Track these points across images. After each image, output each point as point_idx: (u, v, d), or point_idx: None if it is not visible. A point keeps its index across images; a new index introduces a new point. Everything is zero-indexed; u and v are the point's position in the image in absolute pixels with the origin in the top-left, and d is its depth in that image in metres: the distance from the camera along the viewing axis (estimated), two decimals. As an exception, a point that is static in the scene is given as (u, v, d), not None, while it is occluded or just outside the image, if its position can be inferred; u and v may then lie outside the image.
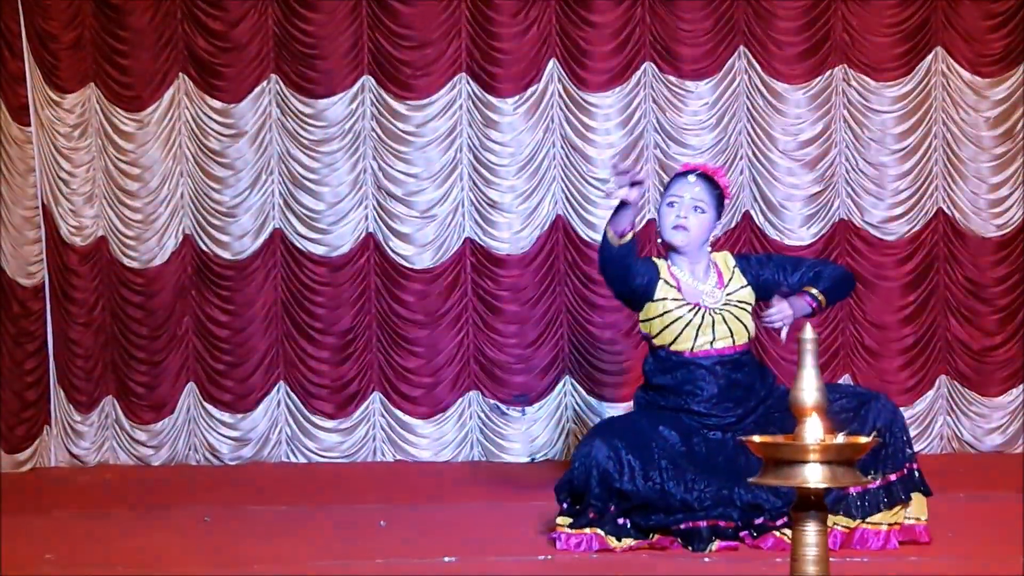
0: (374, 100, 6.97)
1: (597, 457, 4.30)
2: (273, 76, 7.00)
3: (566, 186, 6.91)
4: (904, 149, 6.82)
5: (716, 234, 4.59)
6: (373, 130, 6.98)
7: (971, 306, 6.84)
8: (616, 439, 4.32)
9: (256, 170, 7.03)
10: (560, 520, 4.39)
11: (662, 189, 4.62)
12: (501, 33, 6.89)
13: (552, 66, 6.88)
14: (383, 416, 7.01)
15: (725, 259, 4.61)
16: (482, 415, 6.97)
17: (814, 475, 2.28)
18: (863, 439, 2.38)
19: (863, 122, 6.82)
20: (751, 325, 4.51)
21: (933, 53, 6.78)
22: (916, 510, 4.34)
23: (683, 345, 4.46)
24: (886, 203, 6.84)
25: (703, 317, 4.45)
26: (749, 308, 4.52)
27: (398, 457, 6.98)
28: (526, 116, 6.91)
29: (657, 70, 6.84)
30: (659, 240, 4.62)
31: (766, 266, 4.60)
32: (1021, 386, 6.81)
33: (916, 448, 6.58)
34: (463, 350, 6.99)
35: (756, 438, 2.40)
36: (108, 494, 6.31)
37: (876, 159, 6.84)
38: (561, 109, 6.90)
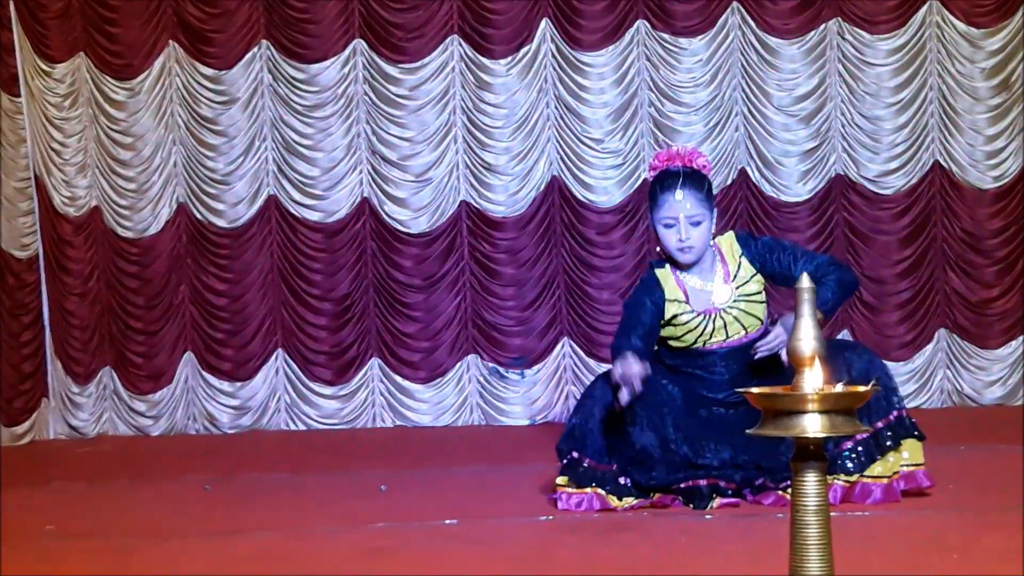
0: (366, 64, 6.93)
1: (602, 399, 4.30)
2: (264, 41, 6.96)
3: (561, 147, 6.88)
4: (900, 102, 6.79)
5: (714, 228, 4.50)
6: (366, 94, 6.94)
7: (969, 258, 6.82)
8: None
9: (249, 137, 7.00)
10: (560, 480, 4.37)
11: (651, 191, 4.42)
12: (493, -7, 6.85)
13: (544, 26, 6.84)
14: (382, 382, 7.00)
15: (731, 245, 4.47)
16: (481, 379, 6.96)
17: (813, 424, 2.26)
18: (861, 388, 2.36)
19: (858, 76, 6.78)
20: (763, 312, 4.45)
21: (927, 4, 6.74)
22: (912, 456, 4.32)
23: (697, 344, 4.43)
24: (882, 157, 6.82)
25: (715, 321, 4.41)
26: (760, 298, 4.45)
27: (398, 422, 6.98)
28: (519, 77, 6.88)
29: (650, 27, 6.80)
30: (659, 249, 4.52)
31: (773, 253, 4.44)
32: (1020, 338, 6.80)
33: (917, 402, 6.69)
34: (461, 314, 6.98)
35: (755, 389, 2.38)
36: (108, 465, 6.30)
37: (871, 113, 6.81)
38: (554, 69, 6.86)
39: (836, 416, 2.27)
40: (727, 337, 4.41)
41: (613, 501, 4.29)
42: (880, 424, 4.27)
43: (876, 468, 4.27)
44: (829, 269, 4.41)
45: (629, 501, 4.30)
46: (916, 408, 6.69)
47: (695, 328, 4.40)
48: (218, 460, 6.26)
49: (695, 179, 4.41)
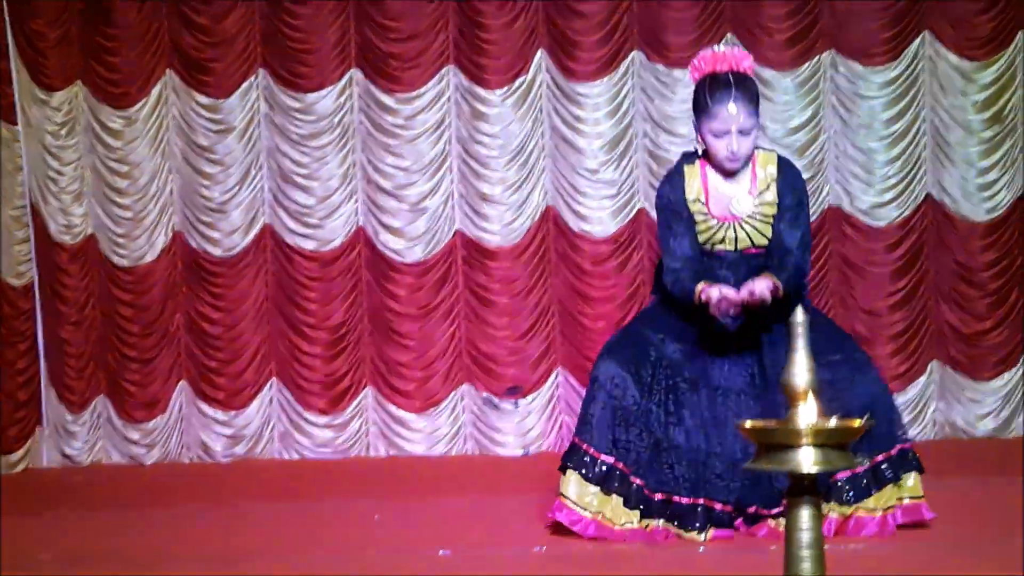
0: (362, 93, 6.95)
1: (605, 385, 4.33)
2: (261, 71, 6.98)
3: (556, 177, 6.90)
4: (893, 134, 6.81)
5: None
6: (362, 123, 6.96)
7: (962, 291, 6.84)
8: (625, 365, 4.34)
9: (245, 165, 7.01)
10: (564, 488, 4.35)
11: (695, 111, 4.42)
12: (488, 24, 6.87)
13: (540, 56, 6.87)
14: (376, 411, 7.00)
15: (766, 164, 4.46)
16: (475, 408, 6.96)
17: (807, 459, 2.27)
18: (857, 422, 2.37)
19: (852, 108, 6.81)
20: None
21: (920, 37, 6.77)
22: (912, 490, 4.32)
23: (705, 244, 4.44)
24: (875, 189, 6.84)
25: (728, 229, 4.42)
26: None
27: (391, 452, 6.97)
28: (515, 107, 6.90)
29: (645, 58, 6.83)
30: (697, 149, 4.48)
31: (793, 210, 4.42)
32: (1013, 370, 6.81)
33: (910, 434, 6.66)
34: (455, 343, 6.98)
35: (748, 423, 2.38)
36: (101, 493, 6.29)
37: (865, 145, 6.83)
38: (550, 99, 6.89)
39: (831, 451, 2.28)
40: (736, 248, 4.42)
41: (611, 523, 4.28)
42: (880, 458, 4.27)
43: (870, 501, 4.28)
44: (791, 272, 4.37)
45: (626, 521, 4.29)
46: (906, 432, 6.70)
47: (707, 229, 4.41)
48: (212, 489, 6.25)
49: (746, 87, 4.38)
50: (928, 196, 6.82)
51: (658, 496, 4.34)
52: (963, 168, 6.80)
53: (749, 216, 4.40)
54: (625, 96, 6.85)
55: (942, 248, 6.83)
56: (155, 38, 7.01)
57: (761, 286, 4.24)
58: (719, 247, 4.43)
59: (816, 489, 2.31)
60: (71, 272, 7.08)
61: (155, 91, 7.02)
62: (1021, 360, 6.82)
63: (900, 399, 6.78)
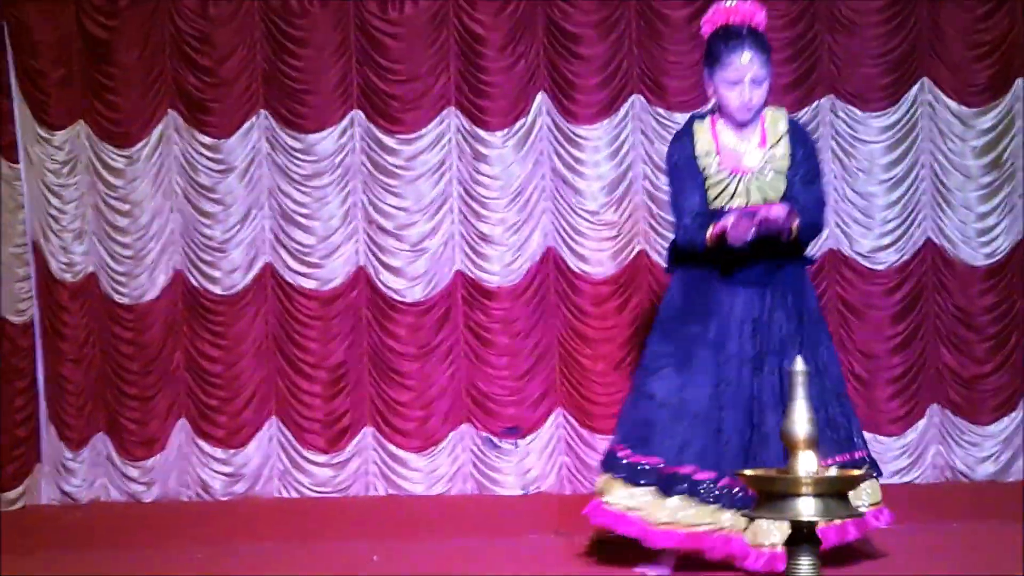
0: (363, 134, 6.98)
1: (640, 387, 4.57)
2: (262, 111, 7.01)
3: (556, 218, 6.92)
4: (892, 179, 6.84)
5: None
6: (363, 164, 6.99)
7: (961, 335, 6.84)
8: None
9: (246, 205, 7.03)
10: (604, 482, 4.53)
11: (717, 69, 4.54)
12: (489, 67, 6.91)
13: (540, 99, 6.91)
14: (375, 450, 7.00)
15: (776, 121, 4.58)
16: (475, 448, 6.96)
17: (807, 508, 2.28)
18: (856, 472, 2.38)
19: (851, 152, 6.84)
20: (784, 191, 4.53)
21: (919, 83, 6.80)
22: (872, 496, 4.36)
23: (716, 203, 4.49)
24: (875, 232, 6.86)
25: (739, 183, 4.46)
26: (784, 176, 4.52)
27: (391, 491, 6.97)
28: (516, 149, 6.93)
29: (645, 102, 6.86)
30: (711, 106, 4.60)
31: (804, 164, 4.54)
32: (1013, 414, 6.81)
33: (910, 477, 6.70)
34: (455, 383, 6.98)
35: (748, 472, 2.40)
36: (100, 531, 6.28)
37: (864, 189, 6.86)
38: (550, 142, 6.92)
39: (830, 500, 2.30)
40: (748, 201, 4.45)
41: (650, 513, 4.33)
42: (834, 460, 4.32)
43: None
44: (805, 222, 4.48)
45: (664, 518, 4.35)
46: (909, 483, 6.71)
47: (719, 183, 4.45)
48: (211, 528, 6.24)
49: (759, 38, 4.51)
50: (927, 240, 6.84)
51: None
52: (962, 213, 6.83)
53: (760, 170, 4.45)
54: (625, 139, 6.88)
55: (941, 292, 6.85)
56: (157, 78, 7.04)
57: (778, 208, 4.30)
58: (731, 204, 4.46)
59: (816, 538, 2.33)
60: (71, 310, 7.09)
61: (157, 131, 7.04)
62: (1020, 404, 6.82)
63: (899, 442, 6.80)
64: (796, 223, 4.40)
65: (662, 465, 4.45)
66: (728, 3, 4.57)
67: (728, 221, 4.32)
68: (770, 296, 4.51)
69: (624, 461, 4.52)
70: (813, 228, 4.61)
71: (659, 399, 4.50)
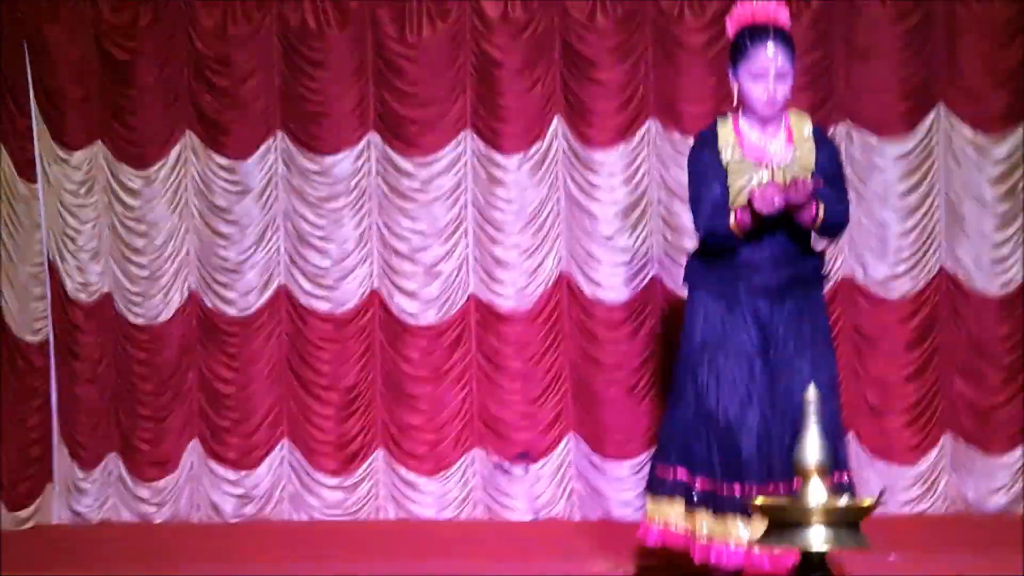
0: (379, 157, 6.99)
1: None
2: (279, 133, 7.03)
3: (570, 242, 6.92)
4: (907, 207, 6.82)
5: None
6: (378, 186, 7.00)
7: (975, 364, 6.80)
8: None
9: (262, 227, 7.05)
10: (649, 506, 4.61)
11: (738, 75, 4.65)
12: (506, 90, 6.92)
13: (556, 123, 6.91)
14: (386, 473, 6.99)
15: (801, 124, 4.66)
16: (485, 473, 6.95)
17: (817, 538, 2.28)
18: (867, 501, 2.38)
19: (866, 179, 6.82)
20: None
21: (935, 110, 6.79)
22: None
23: (741, 200, 4.51)
24: (889, 260, 6.84)
25: (762, 175, 4.48)
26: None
27: (401, 515, 6.96)
28: (531, 173, 6.93)
29: (661, 127, 6.86)
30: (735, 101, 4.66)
31: (827, 170, 4.58)
32: (1026, 444, 6.77)
33: (922, 507, 6.67)
34: (467, 406, 6.97)
35: (759, 500, 2.40)
36: (110, 552, 6.28)
37: (879, 216, 6.84)
38: (565, 166, 6.92)
39: (841, 529, 2.29)
40: None
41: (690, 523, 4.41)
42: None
43: None
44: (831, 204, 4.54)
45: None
46: (920, 514, 6.67)
47: (742, 172, 4.48)
48: (221, 549, 6.24)
49: (784, 37, 4.58)
50: (942, 269, 6.81)
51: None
52: (977, 241, 6.80)
53: (787, 164, 4.48)
54: (640, 164, 6.88)
55: (956, 321, 6.82)
56: (175, 99, 7.07)
57: (804, 181, 4.33)
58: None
59: (827, 567, 2.32)
60: (86, 330, 7.10)
61: (174, 151, 7.06)
62: (1034, 434, 6.79)
63: (912, 471, 6.75)
64: (823, 207, 4.44)
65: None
66: (751, 3, 4.64)
67: (755, 190, 4.38)
68: (788, 309, 4.54)
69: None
70: (838, 222, 4.68)
71: (727, 416, 4.51)
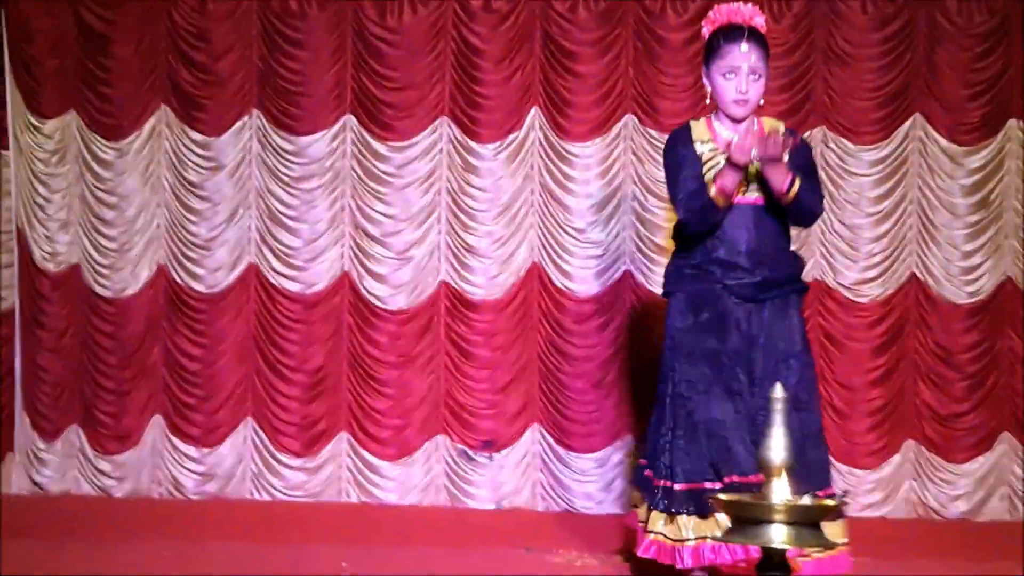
0: (355, 139, 6.97)
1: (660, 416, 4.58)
2: (255, 111, 7.00)
3: (543, 234, 6.92)
4: (879, 212, 6.85)
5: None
6: (353, 169, 6.98)
7: (940, 372, 6.85)
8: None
9: (234, 204, 7.02)
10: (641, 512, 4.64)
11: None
12: (485, 79, 6.91)
13: (534, 114, 6.91)
14: (350, 456, 6.98)
15: (774, 125, 4.70)
16: (449, 459, 6.94)
17: (779, 535, 2.28)
18: (829, 502, 2.38)
19: (840, 184, 6.85)
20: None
21: (912, 119, 6.82)
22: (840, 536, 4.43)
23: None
24: (859, 265, 6.87)
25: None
26: None
27: (363, 498, 6.95)
28: (506, 162, 6.93)
29: (638, 122, 6.87)
30: (708, 101, 4.72)
31: (799, 162, 4.61)
32: (987, 454, 6.81)
33: (882, 512, 6.71)
34: (433, 393, 6.97)
35: (722, 496, 2.40)
36: (69, 524, 6.25)
37: (851, 221, 6.87)
38: (541, 157, 6.92)
39: (802, 528, 2.30)
40: (747, 188, 4.52)
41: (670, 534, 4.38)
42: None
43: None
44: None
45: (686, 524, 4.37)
46: (881, 518, 6.71)
47: (717, 164, 4.52)
48: (180, 526, 6.21)
49: (759, 37, 4.62)
50: (912, 275, 6.85)
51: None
52: (947, 250, 6.84)
53: (758, 162, 4.50)
54: (616, 158, 6.89)
55: (923, 328, 6.86)
56: (152, 72, 7.03)
57: (780, 135, 4.42)
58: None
59: (787, 565, 2.32)
60: (52, 300, 7.07)
61: (148, 125, 7.03)
62: (996, 444, 6.83)
63: (874, 476, 6.80)
64: (798, 180, 4.46)
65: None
66: (729, 4, 4.67)
67: (733, 140, 4.44)
68: (767, 313, 4.56)
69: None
70: (810, 209, 4.67)
71: (720, 422, 4.51)
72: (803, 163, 4.64)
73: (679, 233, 4.80)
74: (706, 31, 4.74)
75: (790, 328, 4.61)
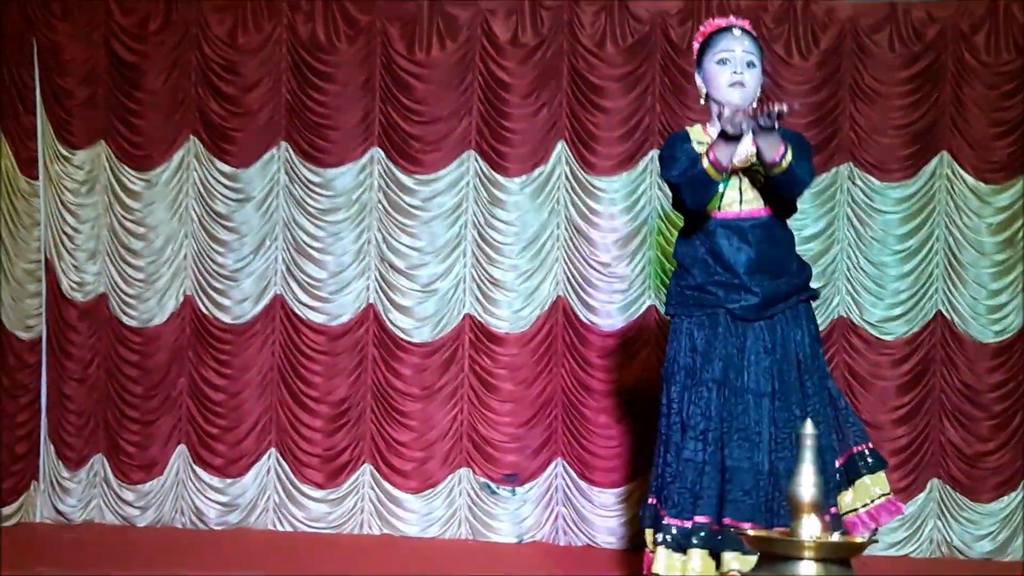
0: (382, 172, 7.00)
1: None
2: (283, 143, 7.04)
3: (568, 267, 6.93)
4: (906, 250, 6.84)
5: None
6: (379, 202, 7.01)
7: (966, 411, 6.82)
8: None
9: (260, 235, 7.05)
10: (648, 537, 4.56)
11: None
12: (512, 113, 6.94)
13: (560, 148, 6.93)
14: (372, 488, 6.98)
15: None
16: (471, 492, 6.93)
17: (807, 572, 2.27)
18: (858, 539, 2.38)
19: (866, 221, 6.84)
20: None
21: (939, 157, 6.82)
22: (883, 485, 4.42)
23: (712, 204, 4.48)
24: (886, 303, 6.85)
25: (730, 175, 4.45)
26: None
27: (385, 531, 6.94)
28: (532, 196, 6.95)
29: (664, 158, 6.87)
30: (703, 102, 4.66)
31: (793, 145, 4.53)
32: (1013, 494, 6.77)
33: (906, 551, 6.66)
34: (456, 426, 6.97)
35: (751, 532, 2.39)
36: (92, 553, 6.26)
37: (877, 258, 6.86)
38: (567, 191, 6.94)
39: (832, 565, 2.29)
40: (742, 200, 4.47)
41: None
42: (837, 463, 4.36)
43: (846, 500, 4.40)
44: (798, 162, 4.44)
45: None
46: (905, 556, 6.67)
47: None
48: (202, 556, 6.22)
49: (752, 35, 4.60)
50: (938, 313, 6.83)
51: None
52: (974, 289, 6.82)
53: (754, 165, 4.46)
54: (642, 193, 6.90)
55: (949, 366, 6.83)
56: (181, 104, 7.08)
57: (772, 107, 4.29)
58: (727, 208, 4.51)
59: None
60: (80, 329, 7.10)
61: (177, 156, 7.08)
62: (1021, 484, 6.79)
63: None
64: (791, 150, 4.34)
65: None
66: (718, 20, 4.71)
67: (724, 114, 4.39)
68: (780, 329, 4.52)
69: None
70: (802, 179, 4.49)
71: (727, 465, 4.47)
72: (796, 140, 4.52)
73: (679, 252, 4.74)
74: (697, 42, 4.71)
75: (800, 343, 4.55)
